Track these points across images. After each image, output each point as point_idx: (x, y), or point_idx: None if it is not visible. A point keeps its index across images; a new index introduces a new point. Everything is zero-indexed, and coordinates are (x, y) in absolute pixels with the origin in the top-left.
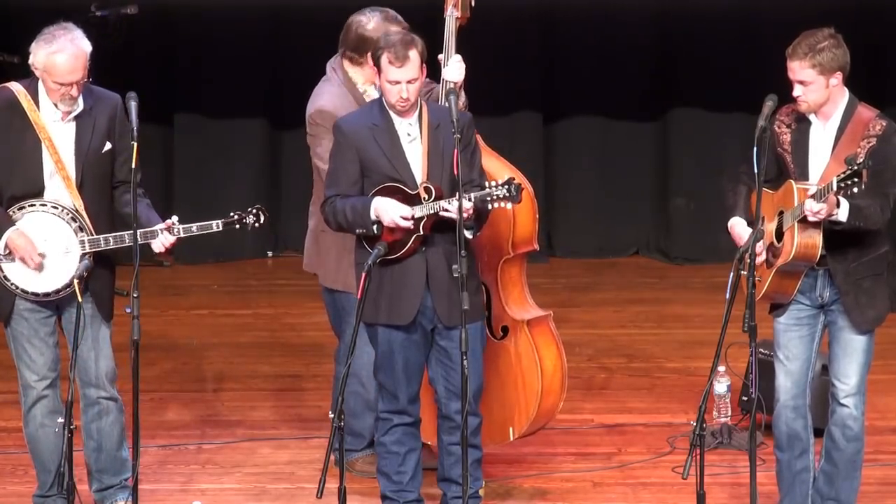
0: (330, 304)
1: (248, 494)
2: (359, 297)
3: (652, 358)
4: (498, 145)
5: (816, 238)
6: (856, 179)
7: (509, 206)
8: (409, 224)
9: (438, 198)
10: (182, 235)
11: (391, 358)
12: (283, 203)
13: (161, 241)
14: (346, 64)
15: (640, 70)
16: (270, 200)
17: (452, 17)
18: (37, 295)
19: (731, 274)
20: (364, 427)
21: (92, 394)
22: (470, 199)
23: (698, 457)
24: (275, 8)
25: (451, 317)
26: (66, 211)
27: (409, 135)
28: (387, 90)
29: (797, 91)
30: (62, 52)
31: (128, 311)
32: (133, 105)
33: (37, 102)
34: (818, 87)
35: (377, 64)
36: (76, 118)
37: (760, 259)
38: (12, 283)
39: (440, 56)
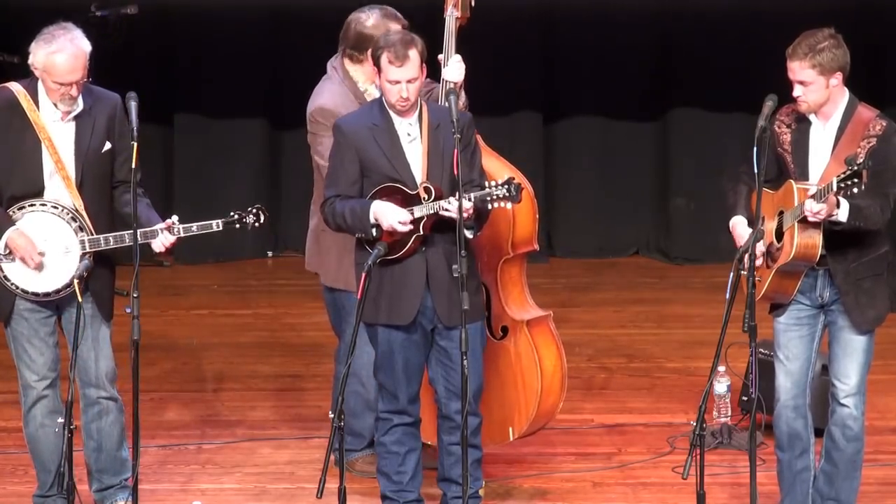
0: (330, 304)
1: (248, 494)
2: (358, 297)
3: (652, 358)
4: (498, 145)
5: (816, 238)
6: (856, 180)
7: (509, 205)
8: (408, 229)
9: (438, 198)
10: (182, 235)
11: (391, 358)
12: (283, 203)
13: (161, 241)
14: (347, 62)
15: (640, 70)
16: (270, 200)
17: (452, 17)
18: (37, 295)
19: (731, 274)
20: (364, 427)
21: (92, 394)
22: (470, 199)
23: (698, 457)
24: (275, 8)
25: (451, 317)
26: (66, 211)
27: (409, 135)
28: (387, 90)
29: (797, 91)
30: (62, 51)
31: (128, 311)
32: (133, 105)
33: (36, 102)
34: (818, 88)
35: (377, 63)
36: (76, 118)
37: (759, 262)
38: (12, 283)
39: (440, 56)
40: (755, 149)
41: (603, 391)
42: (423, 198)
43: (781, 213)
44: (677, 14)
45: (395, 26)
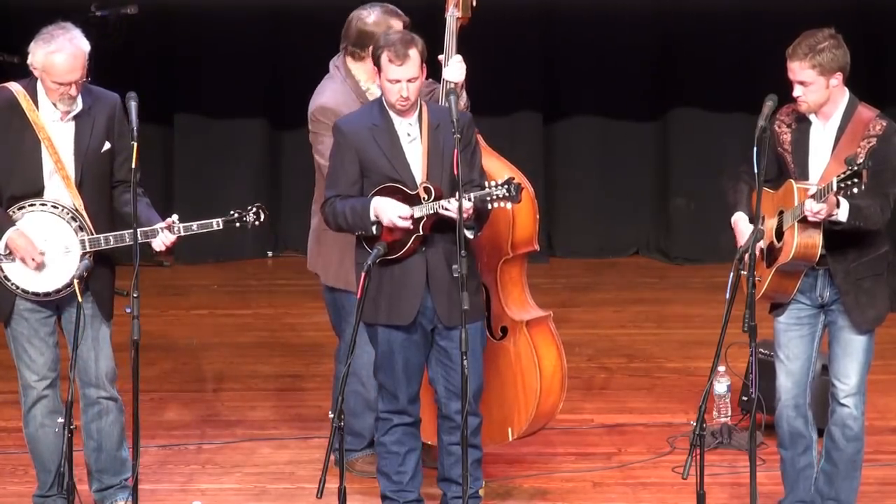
0: (331, 304)
1: (248, 494)
2: (358, 296)
3: (652, 358)
4: (498, 145)
5: (816, 238)
6: (856, 180)
7: (509, 206)
8: (408, 224)
9: (438, 198)
10: (182, 234)
11: (391, 358)
12: (283, 203)
13: (161, 240)
14: (349, 60)
15: (641, 70)
16: (270, 200)
17: (453, 17)
18: (37, 295)
19: (731, 274)
20: (364, 427)
21: (92, 394)
22: (470, 200)
23: (698, 457)
24: (275, 7)
25: (451, 317)
26: (65, 210)
27: (408, 135)
28: (387, 89)
29: (797, 91)
30: (61, 51)
31: (128, 311)
32: (133, 105)
33: (36, 102)
34: (818, 88)
35: (377, 63)
36: (75, 118)
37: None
38: (12, 283)
39: (440, 56)
40: (755, 149)
41: (603, 391)
42: (423, 198)
43: (781, 212)
44: (677, 14)
45: (397, 23)
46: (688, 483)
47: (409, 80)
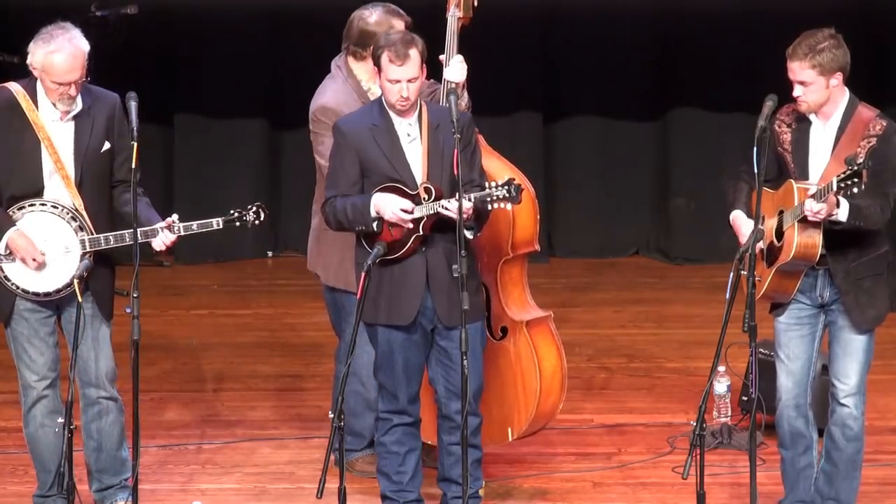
0: (331, 304)
1: (248, 494)
2: (358, 297)
3: (652, 358)
4: (498, 145)
5: (816, 238)
6: (856, 180)
7: (509, 206)
8: (410, 217)
9: (438, 198)
10: (182, 233)
11: (391, 358)
12: (283, 203)
13: (161, 240)
14: (351, 60)
15: (641, 70)
16: (270, 200)
17: (454, 17)
18: (37, 295)
19: (731, 274)
20: (364, 427)
21: (92, 394)
22: (470, 200)
23: (698, 457)
24: (275, 8)
25: (451, 317)
26: (65, 210)
27: (408, 135)
28: (387, 89)
29: (797, 91)
30: (60, 51)
31: (128, 311)
32: (133, 105)
33: (35, 102)
34: (818, 88)
35: (377, 63)
36: (75, 118)
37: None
38: (13, 283)
39: (441, 56)
40: (755, 149)
41: (603, 391)
42: (423, 198)
43: (781, 212)
44: (677, 14)
45: (399, 23)
46: (688, 483)
47: (409, 81)
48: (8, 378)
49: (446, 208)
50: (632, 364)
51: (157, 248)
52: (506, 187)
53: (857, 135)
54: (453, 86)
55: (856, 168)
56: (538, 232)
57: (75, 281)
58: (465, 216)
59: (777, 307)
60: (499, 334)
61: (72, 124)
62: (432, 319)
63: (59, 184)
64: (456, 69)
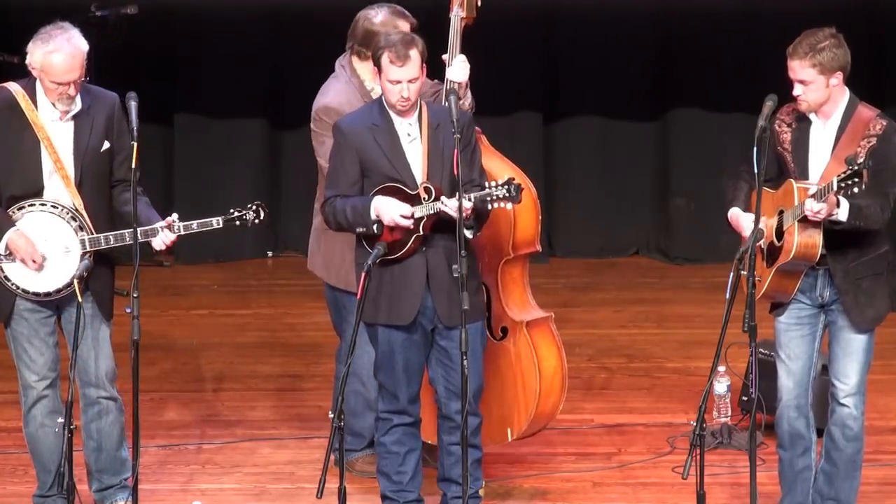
0: (332, 303)
1: (248, 494)
2: (358, 297)
3: (652, 358)
4: (498, 145)
5: (816, 237)
6: (856, 179)
7: (509, 206)
8: (410, 223)
9: (438, 198)
10: (182, 233)
11: (391, 358)
12: (283, 203)
13: (161, 239)
14: (355, 60)
15: (641, 70)
16: (270, 200)
17: (458, 17)
18: (37, 295)
19: (731, 274)
20: (364, 427)
21: (92, 393)
22: (470, 199)
23: (698, 457)
24: (275, 8)
25: (452, 317)
26: (65, 210)
27: (409, 135)
28: (387, 90)
29: (797, 90)
30: (59, 51)
31: (128, 311)
32: (133, 105)
33: (35, 102)
34: (818, 87)
35: (377, 63)
36: (74, 117)
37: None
38: (13, 283)
39: (444, 56)
40: (755, 148)
41: (603, 391)
42: (424, 198)
43: (781, 212)
44: (678, 14)
45: (404, 24)
46: (688, 483)
47: (409, 81)
48: (8, 378)
49: (446, 206)
50: (632, 364)
51: (157, 248)
52: (506, 187)
53: (857, 134)
54: (455, 86)
55: (856, 168)
56: (540, 232)
57: (75, 281)
58: (464, 216)
59: (777, 307)
60: (499, 334)
61: (71, 124)
62: (432, 319)
63: (58, 184)
64: (458, 69)
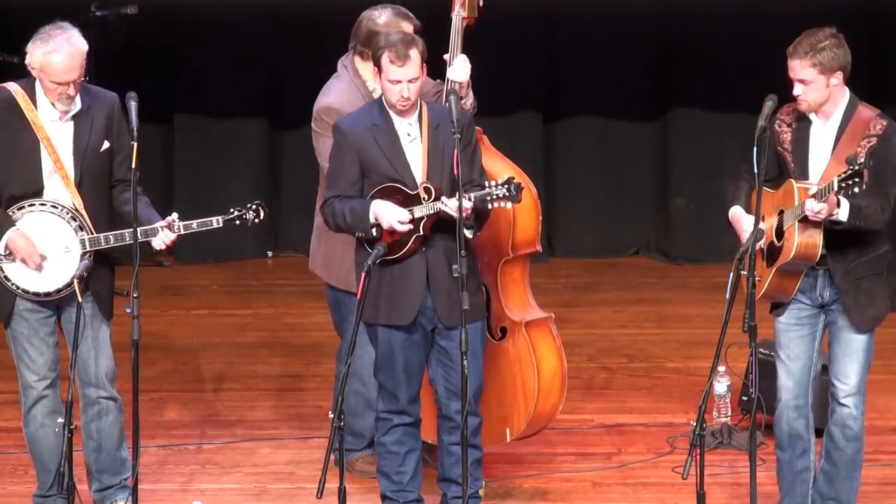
0: (333, 303)
1: (248, 494)
2: (358, 297)
3: (652, 358)
4: (498, 145)
5: (817, 237)
6: (857, 179)
7: (509, 205)
8: (407, 228)
9: (438, 198)
10: (182, 232)
11: (391, 358)
12: (283, 203)
13: (161, 239)
14: (357, 60)
15: (642, 70)
16: (270, 200)
17: (459, 16)
18: (37, 295)
19: (731, 274)
20: (364, 426)
21: (92, 393)
22: (470, 199)
23: (698, 457)
24: (275, 8)
25: (452, 317)
26: (65, 210)
27: (409, 135)
28: (387, 89)
29: (797, 90)
30: (58, 51)
31: (128, 311)
32: (133, 105)
33: (34, 102)
34: (818, 87)
35: (378, 63)
36: (74, 117)
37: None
38: (13, 283)
39: (445, 55)
40: (755, 149)
41: (603, 391)
42: (423, 198)
43: (781, 212)
44: (678, 14)
45: (407, 26)
46: (688, 483)
47: (409, 81)
48: (8, 378)
49: (446, 206)
50: (632, 364)
51: (157, 248)
52: (506, 186)
53: (857, 134)
54: (456, 85)
55: (857, 168)
56: (540, 232)
57: (75, 281)
58: (464, 215)
59: (777, 307)
60: (498, 335)
61: (71, 124)
62: (432, 319)
63: (58, 183)
64: (459, 69)
